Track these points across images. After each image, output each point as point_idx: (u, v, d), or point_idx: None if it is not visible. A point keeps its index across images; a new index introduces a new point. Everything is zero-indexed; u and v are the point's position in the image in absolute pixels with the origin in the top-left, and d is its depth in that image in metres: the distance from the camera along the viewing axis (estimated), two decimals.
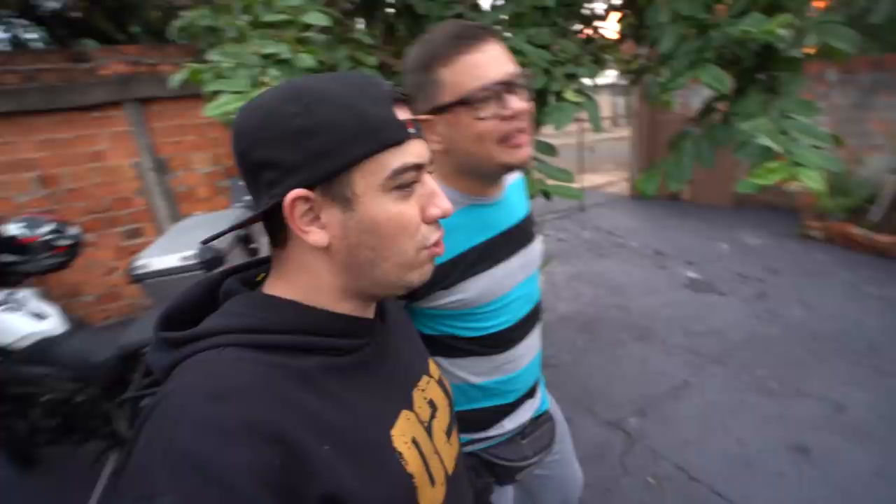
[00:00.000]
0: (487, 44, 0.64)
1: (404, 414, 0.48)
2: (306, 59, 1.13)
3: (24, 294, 1.77)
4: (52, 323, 1.74)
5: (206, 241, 0.46)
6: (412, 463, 0.46)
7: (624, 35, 1.91)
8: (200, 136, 3.72)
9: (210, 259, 1.27)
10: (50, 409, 1.77)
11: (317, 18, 1.26)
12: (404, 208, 0.43)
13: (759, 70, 1.23)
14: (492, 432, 0.82)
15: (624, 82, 2.01)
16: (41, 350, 1.69)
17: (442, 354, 0.77)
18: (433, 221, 0.46)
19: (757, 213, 5.15)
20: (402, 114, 0.43)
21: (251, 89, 1.05)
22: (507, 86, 0.64)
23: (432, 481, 0.48)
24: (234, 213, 1.65)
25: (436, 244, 0.47)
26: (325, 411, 0.40)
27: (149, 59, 3.59)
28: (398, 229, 0.43)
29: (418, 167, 0.44)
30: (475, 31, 0.64)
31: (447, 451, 0.54)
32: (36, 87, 3.22)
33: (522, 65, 1.30)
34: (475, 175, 0.72)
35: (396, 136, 0.42)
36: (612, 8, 1.74)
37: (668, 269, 3.87)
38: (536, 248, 0.84)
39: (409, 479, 0.45)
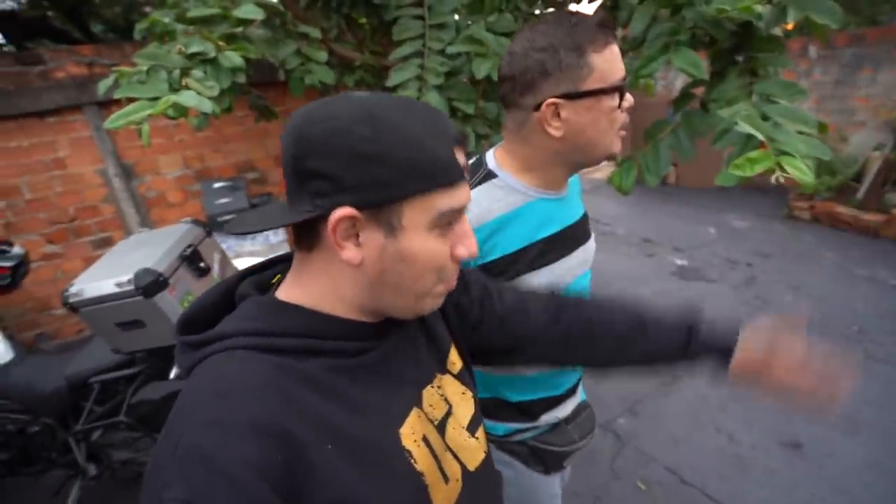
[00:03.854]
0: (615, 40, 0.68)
1: (415, 412, 0.50)
2: (234, 58, 1.01)
3: None
4: None
5: (238, 232, 0.46)
6: (421, 461, 0.47)
7: None
8: (167, 139, 3.55)
9: (148, 284, 1.16)
10: (3, 441, 1.67)
11: (251, 12, 1.13)
12: (439, 245, 0.46)
13: (737, 51, 1.13)
14: (541, 421, 0.88)
15: None
16: None
17: None
18: (459, 260, 0.49)
19: (743, 195, 5.10)
20: (460, 157, 0.45)
21: (170, 94, 0.93)
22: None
23: (445, 479, 0.49)
24: (178, 230, 1.53)
25: (451, 279, 0.50)
26: (329, 411, 0.42)
27: (106, 60, 3.41)
28: (429, 263, 0.46)
29: (461, 210, 0.46)
30: (610, 26, 0.67)
31: (468, 447, 0.54)
32: None
33: (480, 55, 1.19)
34: (569, 166, 0.76)
35: (452, 180, 0.44)
36: None
37: (655, 257, 3.80)
38: (592, 245, 0.91)
39: (419, 477, 0.46)
